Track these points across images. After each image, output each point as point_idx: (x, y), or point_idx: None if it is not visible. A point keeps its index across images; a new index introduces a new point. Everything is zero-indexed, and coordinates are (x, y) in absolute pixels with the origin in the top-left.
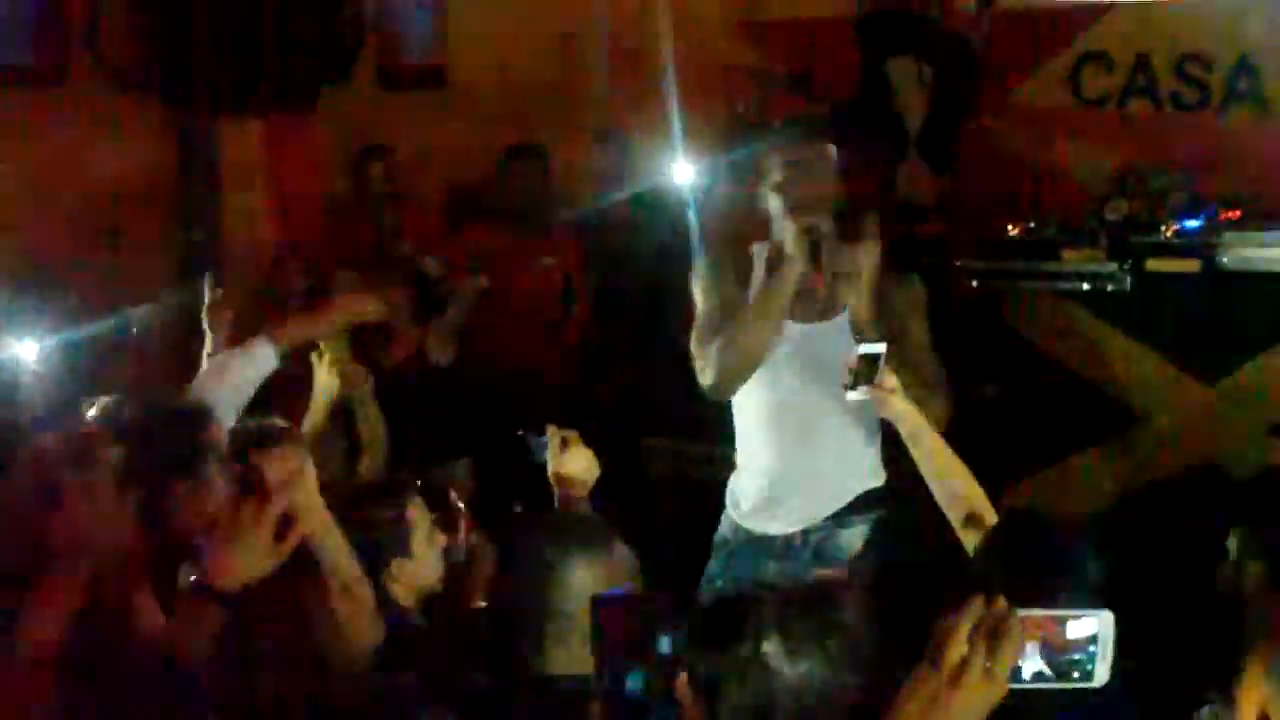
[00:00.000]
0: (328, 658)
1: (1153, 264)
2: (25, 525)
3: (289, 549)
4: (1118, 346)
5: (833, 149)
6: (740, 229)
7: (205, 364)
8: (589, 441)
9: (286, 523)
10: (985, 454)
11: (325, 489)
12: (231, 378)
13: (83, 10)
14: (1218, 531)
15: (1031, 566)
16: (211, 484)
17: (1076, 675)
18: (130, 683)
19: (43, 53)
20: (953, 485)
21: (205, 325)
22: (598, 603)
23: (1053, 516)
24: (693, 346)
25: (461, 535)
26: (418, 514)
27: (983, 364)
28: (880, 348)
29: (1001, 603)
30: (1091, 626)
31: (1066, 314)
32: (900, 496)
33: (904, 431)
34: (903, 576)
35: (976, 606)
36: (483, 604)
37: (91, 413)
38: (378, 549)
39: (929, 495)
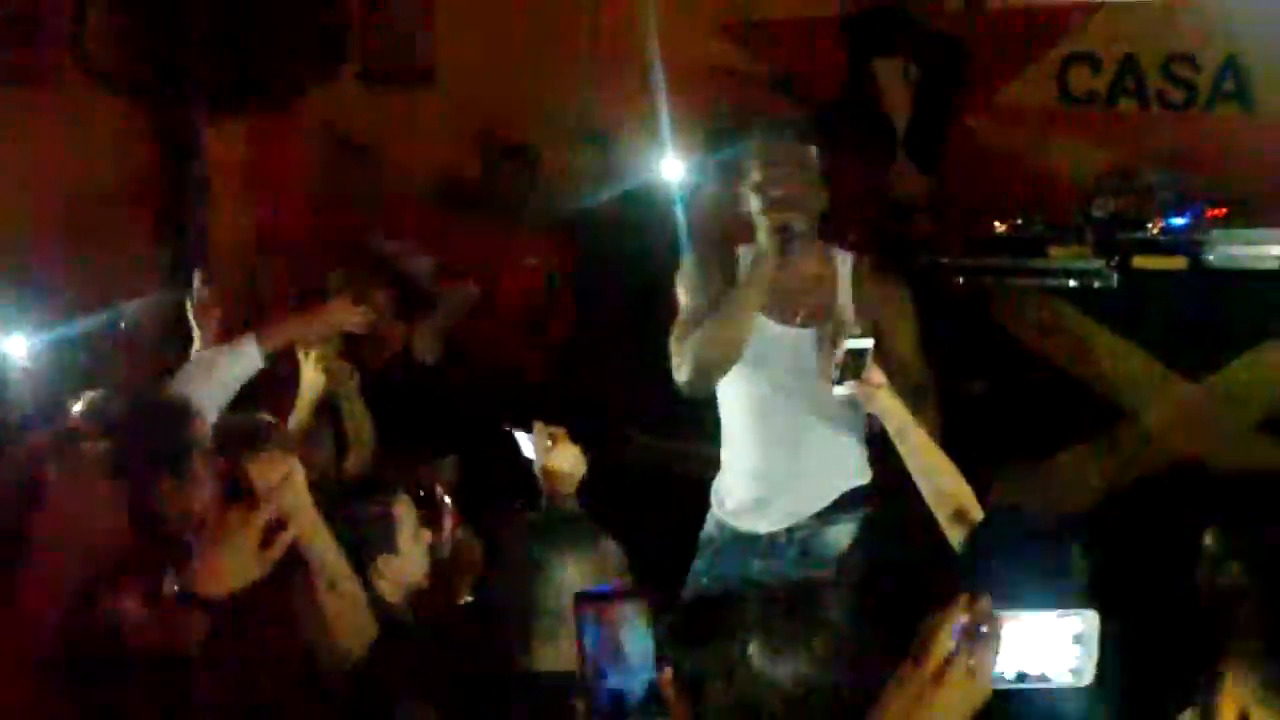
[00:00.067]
0: (316, 654)
1: (1139, 261)
2: (11, 523)
3: (276, 555)
4: (1104, 343)
5: (811, 149)
6: (726, 229)
7: (190, 360)
8: (576, 438)
9: (274, 528)
10: (972, 450)
11: (312, 486)
12: (217, 375)
13: (68, 11)
14: (1203, 529)
15: (1016, 564)
16: (197, 479)
17: (1060, 675)
18: (115, 682)
19: (28, 53)
20: (939, 482)
21: (193, 322)
22: (581, 598)
23: (1038, 513)
24: (671, 343)
25: (447, 531)
26: (404, 510)
27: (970, 361)
28: (867, 343)
29: (985, 602)
30: (1076, 626)
31: (1053, 311)
32: (886, 494)
33: (891, 428)
34: (889, 574)
35: (960, 606)
36: (469, 599)
37: (78, 408)
38: (364, 545)
39: (915, 492)
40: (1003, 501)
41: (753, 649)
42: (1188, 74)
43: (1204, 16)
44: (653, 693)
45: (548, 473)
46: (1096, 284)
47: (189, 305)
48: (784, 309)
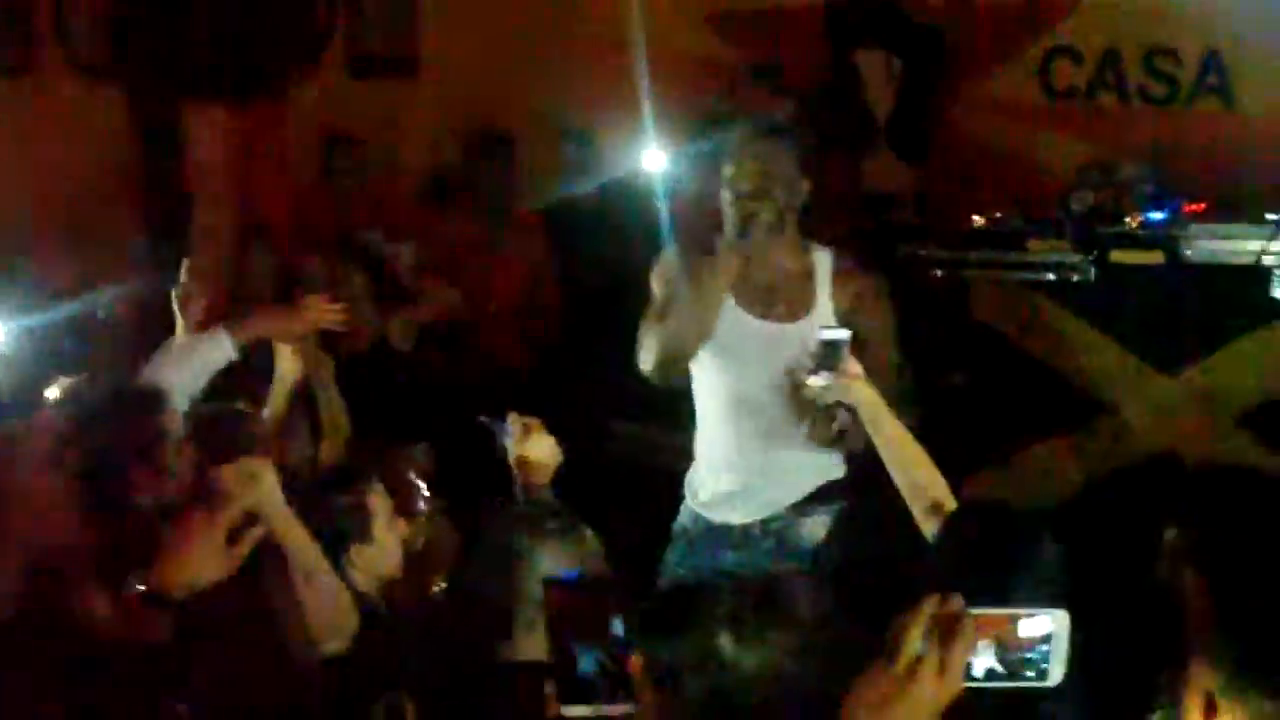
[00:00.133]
0: (293, 647)
1: (1117, 255)
2: None
3: (243, 553)
4: (1082, 337)
5: (785, 143)
6: (706, 222)
7: (162, 349)
8: (552, 428)
9: (242, 526)
10: (949, 443)
11: (288, 474)
12: (188, 364)
13: (50, 2)
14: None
15: (988, 557)
16: (167, 468)
17: (1030, 674)
18: (77, 675)
19: (9, 42)
20: (915, 474)
21: (176, 310)
22: (551, 584)
23: (1010, 506)
24: (640, 331)
25: (422, 520)
26: (378, 500)
27: (947, 353)
28: (843, 334)
29: (956, 601)
30: (1045, 625)
31: (1031, 304)
32: (861, 487)
33: (866, 419)
34: (863, 567)
35: (931, 604)
36: (442, 585)
37: (52, 393)
38: (338, 536)
39: (890, 485)
40: (977, 495)
41: (724, 640)
42: (1169, 68)
43: (1186, 11)
44: (622, 679)
45: (522, 463)
46: (1075, 278)
47: (174, 295)
48: (762, 303)
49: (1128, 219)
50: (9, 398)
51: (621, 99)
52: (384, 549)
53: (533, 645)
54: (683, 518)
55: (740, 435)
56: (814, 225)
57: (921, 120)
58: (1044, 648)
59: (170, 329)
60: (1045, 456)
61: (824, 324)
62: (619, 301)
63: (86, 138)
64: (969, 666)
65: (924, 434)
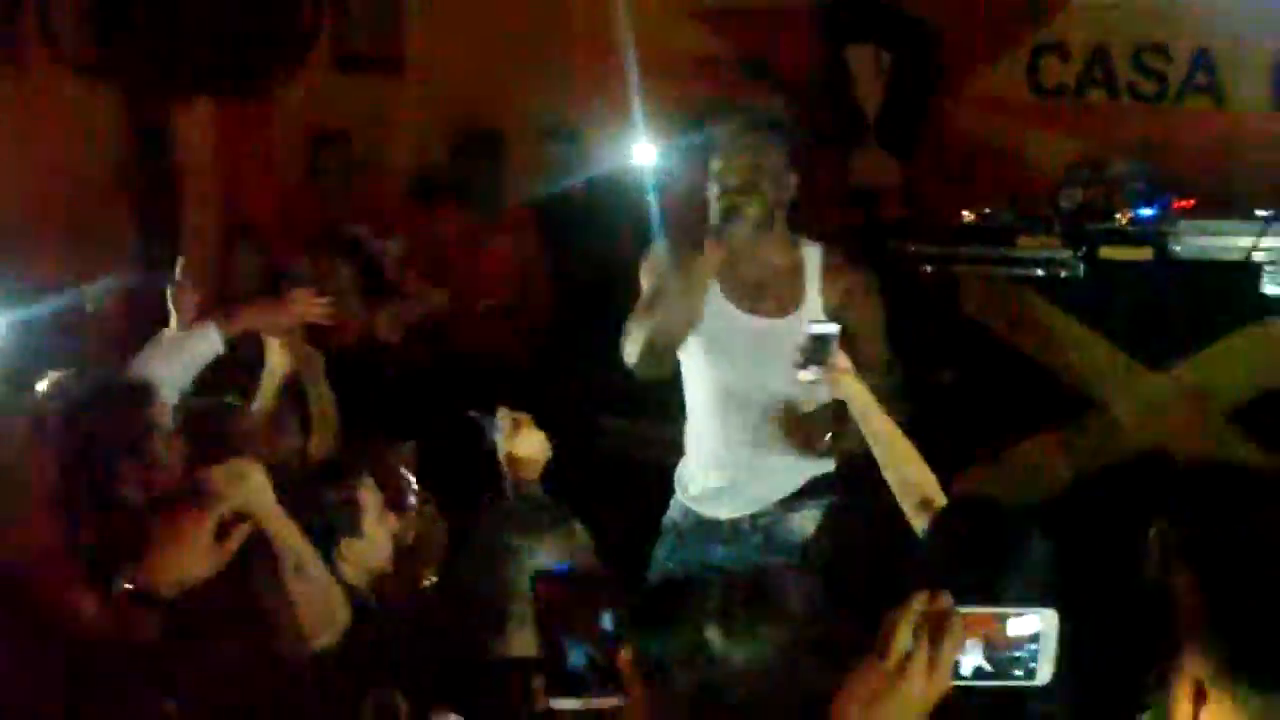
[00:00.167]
0: (283, 640)
1: (1106, 251)
2: None
3: (230, 552)
4: (1071, 333)
5: (773, 138)
6: (695, 216)
7: (151, 342)
8: (542, 424)
9: (230, 522)
10: (938, 438)
11: (278, 469)
12: (176, 357)
13: None
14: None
15: (978, 553)
16: (157, 461)
17: (1018, 673)
18: (64, 673)
19: None
20: (905, 470)
21: (170, 306)
22: (540, 578)
23: (1000, 502)
24: (627, 324)
25: (412, 514)
26: (368, 494)
27: (937, 349)
28: (832, 328)
29: (945, 598)
30: (1034, 624)
31: (1021, 300)
32: (850, 481)
33: (856, 414)
34: (853, 562)
35: (920, 602)
36: (433, 579)
37: (41, 386)
38: (328, 530)
39: (880, 480)
40: (967, 491)
41: (712, 634)
42: (1159, 65)
43: (1175, 8)
44: (611, 673)
45: (512, 458)
46: (1064, 274)
47: (168, 291)
48: (751, 298)
49: (1117, 215)
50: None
51: (609, 95)
52: (374, 543)
53: (525, 641)
54: (672, 512)
55: (729, 430)
56: (803, 220)
57: (911, 116)
58: (1032, 647)
59: (159, 324)
60: (1034, 452)
61: (813, 319)
62: (608, 296)
63: (73, 133)
64: (957, 665)
65: (913, 429)
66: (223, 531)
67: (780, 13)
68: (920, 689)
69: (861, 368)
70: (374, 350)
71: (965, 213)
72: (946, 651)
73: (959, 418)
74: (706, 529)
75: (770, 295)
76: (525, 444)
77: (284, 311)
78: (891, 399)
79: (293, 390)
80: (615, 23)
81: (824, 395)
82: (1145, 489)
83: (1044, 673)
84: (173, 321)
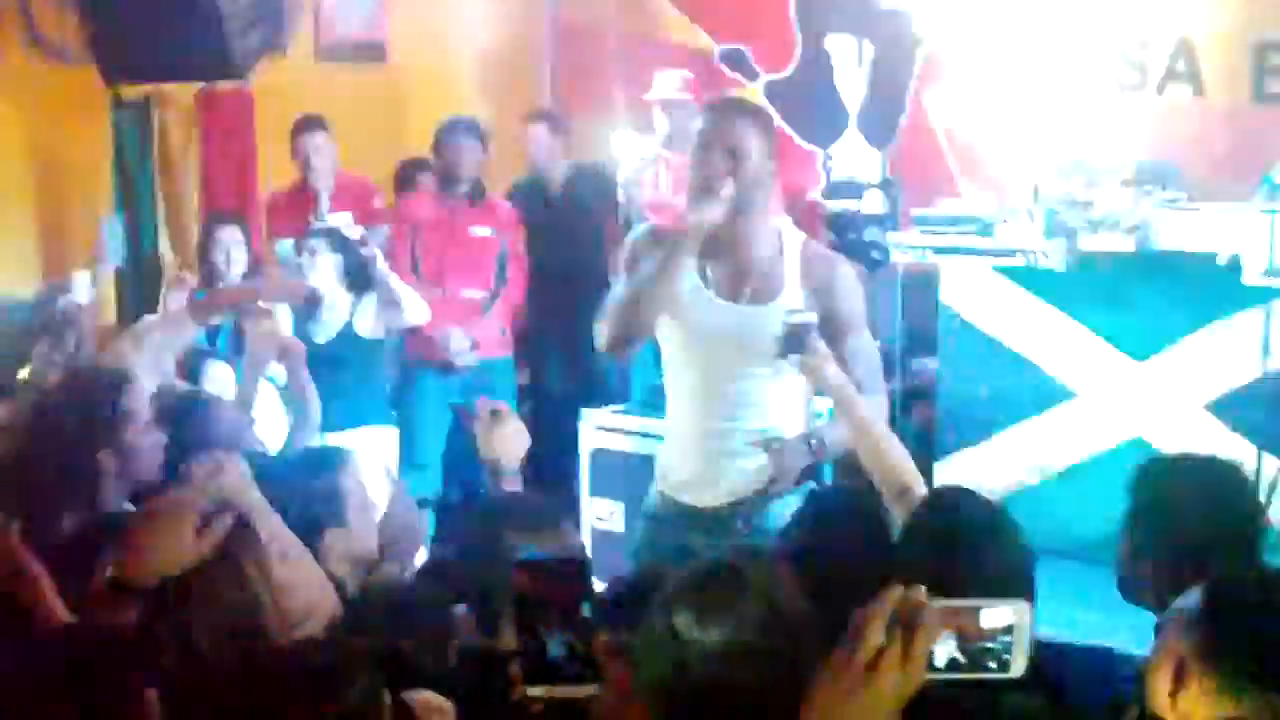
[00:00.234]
0: (269, 627)
1: (1087, 242)
2: None
3: (211, 544)
4: (1051, 323)
5: (750, 121)
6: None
7: (128, 331)
8: (523, 414)
9: (213, 513)
10: (919, 427)
11: (259, 458)
12: (150, 344)
13: None
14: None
15: (957, 542)
16: (134, 450)
17: (992, 665)
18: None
19: None
20: (884, 459)
21: (162, 295)
22: (519, 565)
23: (980, 492)
24: (604, 305)
25: (391, 503)
26: (350, 483)
27: (917, 339)
28: (810, 317)
29: (918, 591)
30: (1007, 617)
31: (1001, 290)
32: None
33: (835, 402)
34: (831, 550)
35: (893, 595)
36: (412, 569)
37: (21, 375)
38: (311, 520)
39: (860, 468)
40: (947, 480)
41: (678, 620)
42: (1139, 55)
43: None
44: (588, 662)
45: (491, 448)
46: (1045, 264)
47: (163, 281)
48: (730, 285)
49: (1097, 206)
50: None
51: (594, 84)
52: (357, 532)
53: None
54: (651, 500)
55: (709, 417)
56: (784, 209)
57: (892, 106)
58: (1006, 638)
59: (139, 311)
60: (1015, 441)
61: (792, 308)
62: (588, 286)
63: (52, 119)
64: (931, 657)
65: (895, 419)
66: (205, 522)
67: (761, 3)
68: (894, 683)
69: (841, 357)
70: (355, 340)
71: (947, 203)
72: (920, 645)
73: (939, 407)
74: (686, 517)
75: (749, 283)
76: (504, 434)
77: (254, 292)
78: (872, 388)
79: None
80: (598, 9)
81: (803, 384)
82: (1124, 479)
83: (1018, 665)
84: (161, 309)
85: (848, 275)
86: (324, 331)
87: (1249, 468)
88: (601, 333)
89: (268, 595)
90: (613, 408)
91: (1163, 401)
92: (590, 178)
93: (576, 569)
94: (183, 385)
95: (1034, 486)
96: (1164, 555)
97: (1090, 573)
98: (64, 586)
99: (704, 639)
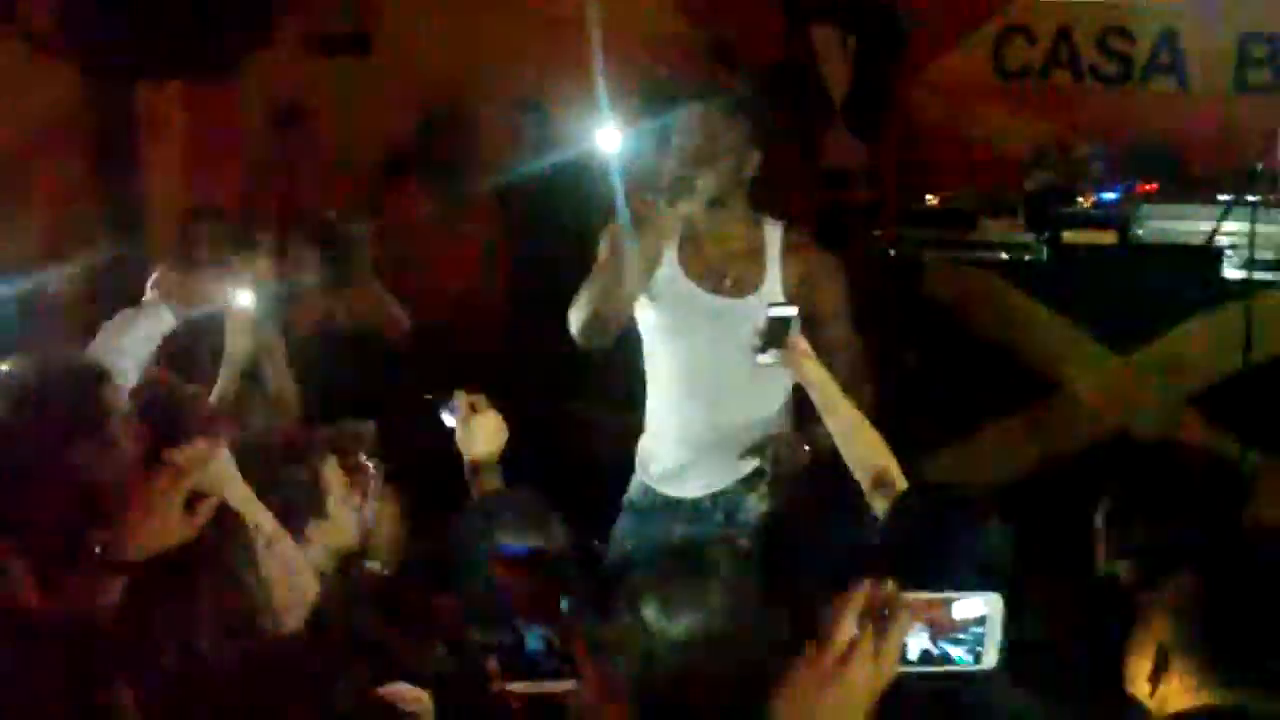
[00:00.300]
0: (256, 618)
1: (1070, 235)
2: None
3: (201, 522)
4: (1035, 316)
5: (731, 111)
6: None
7: (107, 324)
8: (506, 407)
9: (198, 495)
10: (902, 422)
11: (241, 451)
12: (129, 335)
13: None
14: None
15: (938, 537)
16: (115, 443)
17: (964, 658)
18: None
19: None
20: (864, 451)
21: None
22: (500, 560)
23: (959, 487)
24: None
25: (371, 496)
26: (332, 475)
27: (901, 332)
28: (790, 311)
29: (890, 585)
30: (979, 608)
31: (984, 283)
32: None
33: (816, 397)
34: (809, 542)
35: (864, 589)
36: (391, 562)
37: (2, 368)
38: (292, 511)
39: (840, 460)
40: (929, 475)
41: (646, 612)
42: (1122, 47)
43: None
44: (567, 656)
45: (469, 441)
46: (1028, 257)
47: (150, 279)
48: (712, 276)
49: (1081, 199)
50: None
51: (577, 75)
52: (339, 524)
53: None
54: (632, 491)
55: (691, 408)
56: (768, 201)
57: (876, 98)
58: (978, 630)
59: (121, 303)
60: (999, 436)
61: (773, 301)
62: (572, 280)
63: (40, 112)
64: (904, 650)
65: (877, 413)
66: (193, 501)
67: None
68: (866, 677)
69: (824, 350)
70: (337, 334)
71: (929, 196)
72: (892, 639)
73: (922, 401)
74: (667, 508)
75: (731, 274)
76: (482, 426)
77: (225, 278)
78: (854, 382)
79: (254, 377)
80: (585, 2)
81: (784, 378)
82: (1109, 472)
83: (990, 657)
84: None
85: (830, 266)
86: None
87: (1231, 461)
88: (573, 320)
89: (256, 586)
90: None
91: (1146, 395)
92: (576, 169)
93: (557, 564)
94: (166, 376)
95: None
96: (1146, 548)
97: None
98: (43, 570)
99: (671, 630)
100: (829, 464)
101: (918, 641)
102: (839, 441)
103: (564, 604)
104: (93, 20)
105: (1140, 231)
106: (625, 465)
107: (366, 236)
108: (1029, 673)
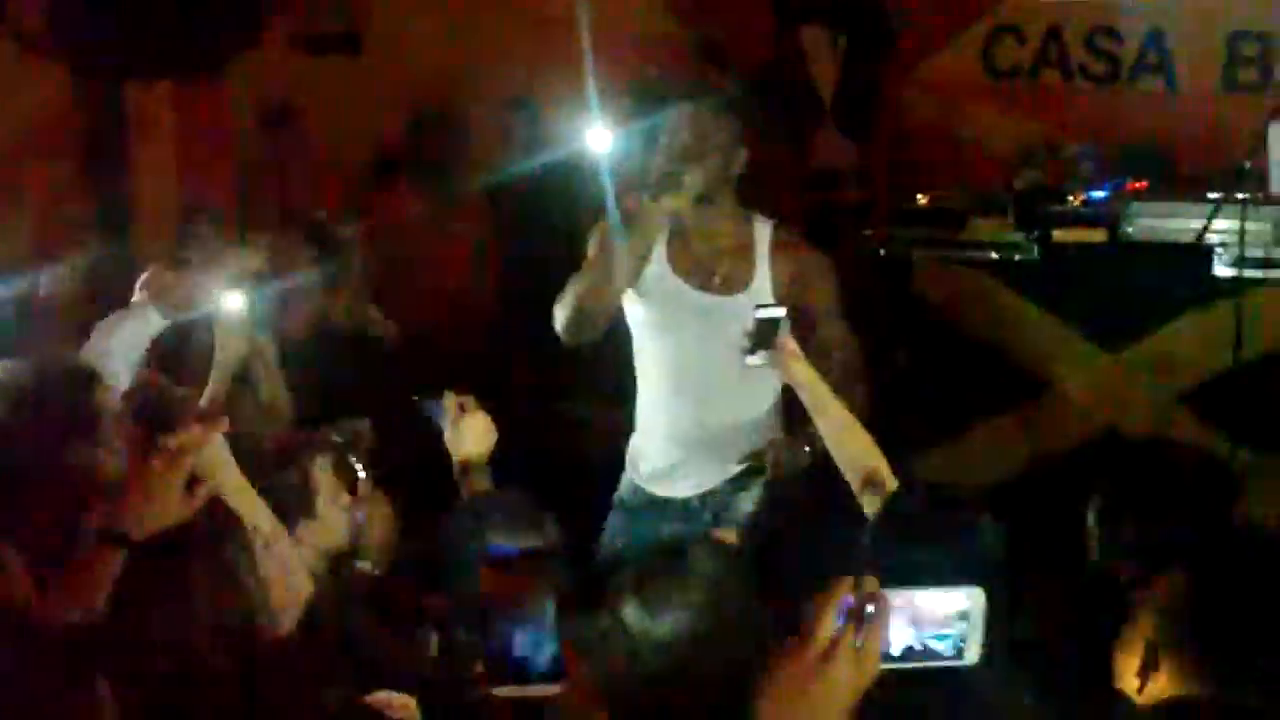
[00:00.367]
0: (252, 615)
1: (1060, 234)
2: None
3: (199, 501)
4: (1025, 315)
5: (719, 109)
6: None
7: (97, 326)
8: (497, 409)
9: (196, 479)
10: (893, 421)
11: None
12: (119, 336)
13: None
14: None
15: (928, 535)
16: (108, 444)
17: (947, 653)
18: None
19: None
20: (853, 451)
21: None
22: (487, 563)
23: (949, 486)
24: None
25: (362, 496)
26: (322, 476)
27: (891, 331)
28: (779, 311)
29: (872, 581)
30: (961, 603)
31: (975, 282)
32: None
33: (806, 398)
34: (798, 541)
35: (846, 585)
36: (382, 564)
37: None
38: (282, 512)
39: (829, 459)
40: (919, 474)
41: (627, 611)
42: (1111, 47)
43: None
44: (554, 655)
45: (457, 442)
46: (1018, 256)
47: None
48: (701, 274)
49: (1070, 197)
50: None
51: (567, 75)
52: (328, 525)
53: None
54: (622, 490)
55: (680, 407)
56: (757, 200)
57: (866, 98)
58: (961, 625)
59: (112, 305)
60: (990, 434)
61: (762, 300)
62: (562, 280)
63: (28, 112)
64: (886, 646)
65: (867, 412)
66: (192, 481)
67: None
68: (848, 675)
69: (816, 350)
70: (328, 336)
71: (919, 195)
72: (874, 635)
73: (913, 400)
74: (657, 508)
75: (720, 272)
76: (471, 427)
77: (223, 281)
78: (845, 381)
79: (244, 379)
80: (575, 2)
81: (773, 378)
82: (1100, 469)
83: (973, 652)
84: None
85: (820, 265)
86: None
87: (1222, 459)
88: (558, 315)
89: (254, 587)
90: None
91: (1136, 393)
92: (566, 169)
93: (545, 566)
94: (156, 379)
95: None
96: (1137, 546)
97: None
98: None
99: (653, 629)
100: (821, 465)
101: (900, 637)
102: (829, 442)
103: (551, 606)
104: (81, 20)
105: (1130, 230)
106: (615, 464)
107: (356, 237)
108: (1020, 670)
